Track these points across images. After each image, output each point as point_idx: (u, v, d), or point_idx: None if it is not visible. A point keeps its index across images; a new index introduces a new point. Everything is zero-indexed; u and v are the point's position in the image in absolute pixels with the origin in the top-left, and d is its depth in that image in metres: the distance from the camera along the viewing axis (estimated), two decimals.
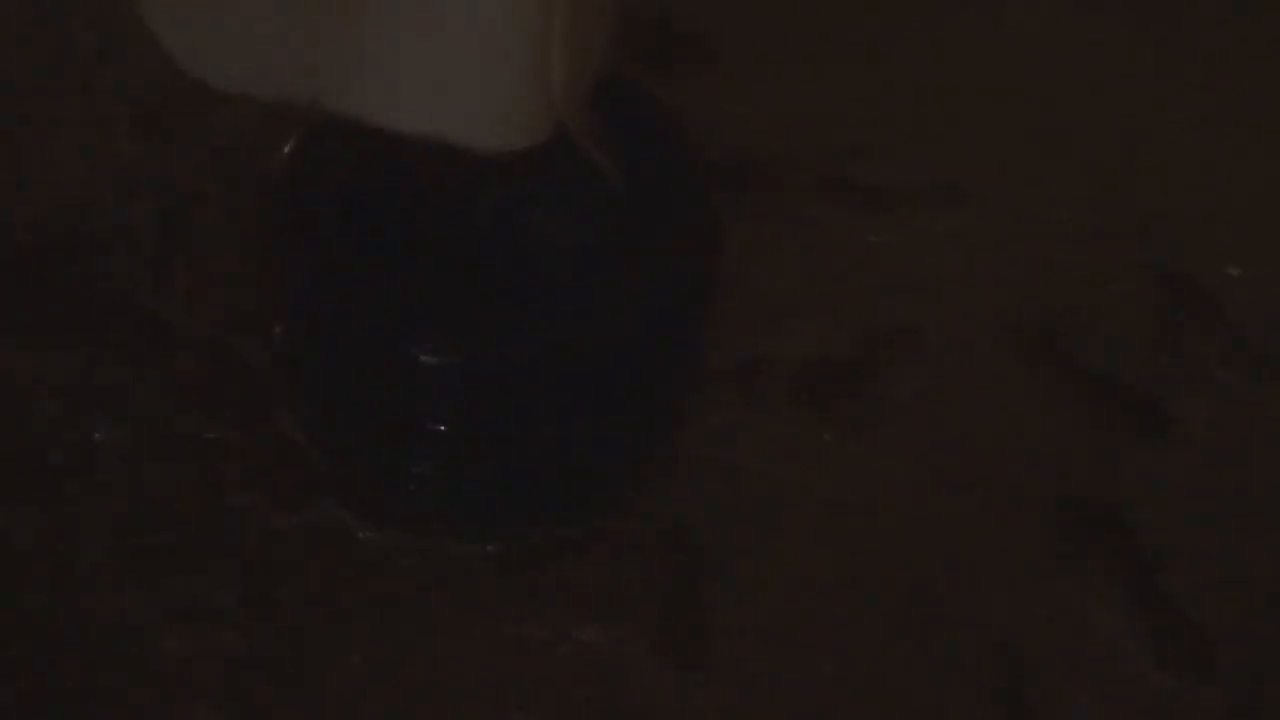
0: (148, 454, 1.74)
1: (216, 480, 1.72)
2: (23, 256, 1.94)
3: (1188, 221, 2.06)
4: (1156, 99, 2.22)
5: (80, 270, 1.93)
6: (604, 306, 1.56)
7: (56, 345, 1.84)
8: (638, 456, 1.75)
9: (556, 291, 1.58)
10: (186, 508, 1.71)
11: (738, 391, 1.84)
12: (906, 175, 2.10)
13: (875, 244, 2.00)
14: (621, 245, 1.58)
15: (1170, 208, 2.08)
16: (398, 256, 1.57)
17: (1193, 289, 1.99)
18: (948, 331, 1.92)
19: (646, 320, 1.58)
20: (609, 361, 1.59)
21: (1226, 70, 2.26)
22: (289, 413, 1.77)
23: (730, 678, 1.61)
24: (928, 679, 1.62)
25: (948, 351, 1.91)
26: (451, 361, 1.53)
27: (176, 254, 1.95)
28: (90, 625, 1.61)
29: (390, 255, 1.57)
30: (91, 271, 1.92)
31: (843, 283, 1.96)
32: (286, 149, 1.67)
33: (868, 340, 1.90)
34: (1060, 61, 2.26)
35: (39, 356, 1.83)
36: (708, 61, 2.19)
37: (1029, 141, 2.16)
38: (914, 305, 1.95)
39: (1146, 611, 1.67)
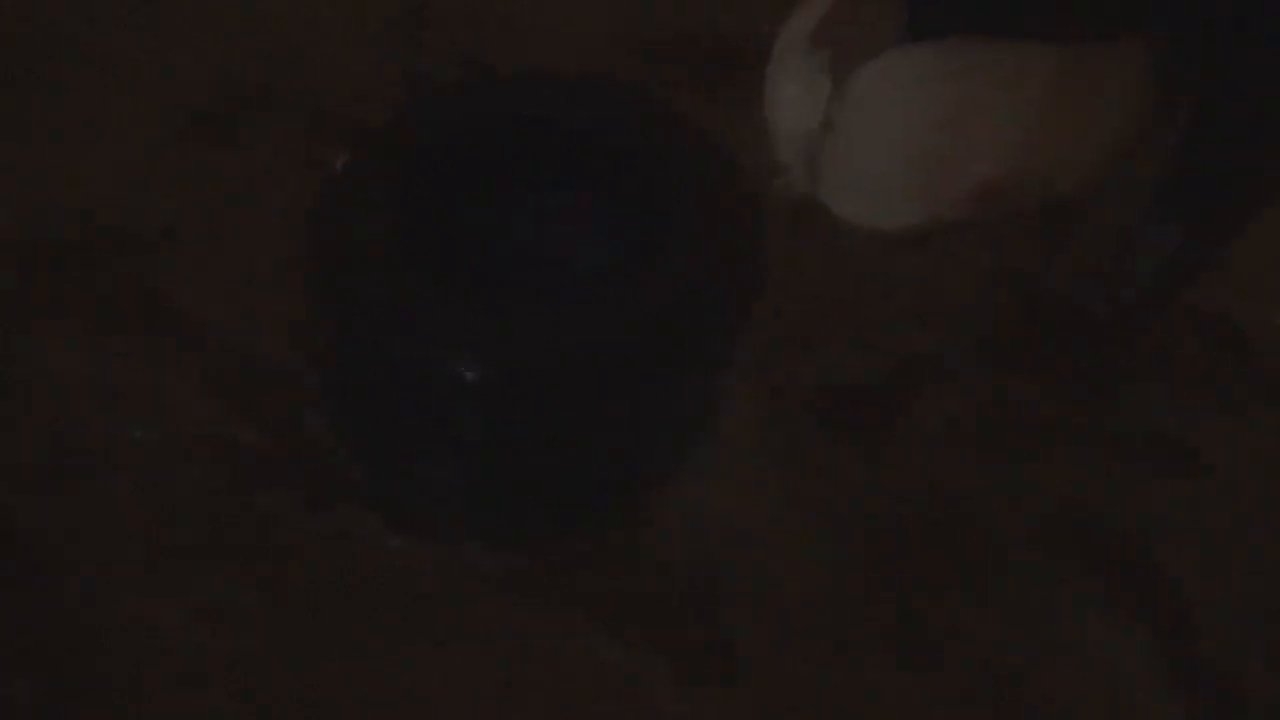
0: (180, 454, 1.75)
1: (246, 481, 1.73)
2: (67, 254, 1.94)
3: (1232, 266, 2.04)
4: None
5: (123, 269, 1.94)
6: (631, 323, 1.57)
7: (96, 343, 1.84)
8: (660, 471, 1.76)
9: (585, 308, 1.60)
10: (216, 508, 1.71)
11: (762, 410, 1.83)
12: None
13: (902, 273, 2.00)
14: (649, 265, 1.60)
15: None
16: (433, 273, 1.59)
17: (1230, 331, 1.97)
18: (971, 360, 1.92)
19: (673, 337, 1.59)
20: (634, 377, 1.60)
21: None
22: (321, 418, 1.78)
23: (748, 695, 1.59)
24: (943, 706, 1.61)
25: (970, 379, 1.90)
26: (481, 375, 1.54)
27: (218, 257, 1.97)
28: (118, 622, 1.62)
29: (426, 271, 1.59)
30: (134, 271, 1.94)
31: (869, 310, 1.95)
32: (337, 165, 1.71)
33: (891, 366, 1.88)
34: None
35: (78, 354, 1.83)
36: (734, 76, 2.20)
37: None
38: (938, 333, 1.94)
39: (1166, 648, 1.65)
